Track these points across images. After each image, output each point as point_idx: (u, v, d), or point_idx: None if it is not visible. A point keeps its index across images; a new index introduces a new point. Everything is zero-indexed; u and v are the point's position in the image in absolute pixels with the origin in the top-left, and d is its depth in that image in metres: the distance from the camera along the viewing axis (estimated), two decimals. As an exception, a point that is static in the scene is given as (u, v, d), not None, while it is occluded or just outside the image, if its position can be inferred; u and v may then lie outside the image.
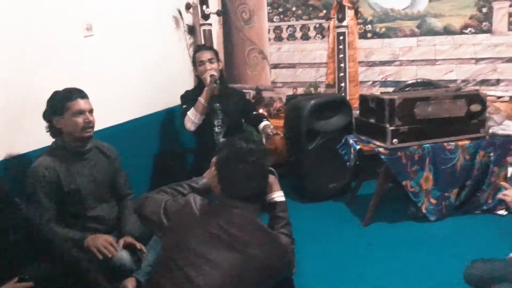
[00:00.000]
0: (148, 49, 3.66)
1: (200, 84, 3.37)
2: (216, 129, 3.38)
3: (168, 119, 3.85)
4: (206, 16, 4.18)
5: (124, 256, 2.23)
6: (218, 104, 3.37)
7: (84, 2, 2.97)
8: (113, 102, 3.18)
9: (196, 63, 3.36)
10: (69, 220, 2.31)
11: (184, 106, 3.31)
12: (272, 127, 3.37)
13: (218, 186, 1.87)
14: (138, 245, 2.30)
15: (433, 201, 3.34)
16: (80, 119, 2.26)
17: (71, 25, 2.88)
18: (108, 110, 3.09)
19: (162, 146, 3.76)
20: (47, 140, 2.37)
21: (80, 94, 2.30)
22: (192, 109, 3.22)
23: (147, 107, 3.62)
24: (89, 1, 3.01)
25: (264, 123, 3.42)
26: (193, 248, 1.65)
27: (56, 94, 2.30)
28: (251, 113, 3.53)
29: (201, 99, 3.20)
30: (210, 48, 3.54)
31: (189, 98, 3.33)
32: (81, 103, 2.28)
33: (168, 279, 1.65)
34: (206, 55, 3.33)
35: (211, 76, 3.20)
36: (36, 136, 2.45)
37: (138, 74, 3.53)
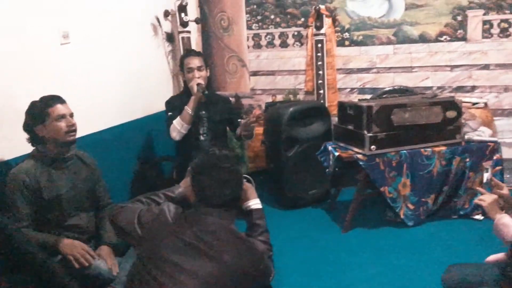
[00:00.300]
0: (126, 56, 3.64)
1: (186, 90, 3.31)
2: (202, 137, 3.31)
3: (148, 127, 3.80)
4: (184, 24, 4.17)
5: (101, 265, 2.20)
6: (204, 112, 3.29)
7: (60, 9, 2.93)
8: (91, 110, 3.14)
9: (184, 68, 3.28)
10: (47, 228, 2.28)
11: (169, 114, 3.23)
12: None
13: (193, 194, 1.85)
14: (110, 263, 2.27)
15: (411, 206, 3.38)
16: (63, 123, 2.27)
17: (48, 32, 2.84)
18: (87, 118, 3.04)
19: (142, 154, 3.72)
20: (27, 148, 2.34)
21: (59, 99, 2.31)
22: (178, 118, 3.15)
23: (126, 115, 3.58)
24: (65, 9, 2.98)
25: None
26: (167, 258, 1.63)
27: (34, 104, 2.30)
28: (236, 121, 3.45)
29: (188, 109, 3.13)
30: (199, 53, 3.43)
31: (175, 105, 3.25)
32: (61, 108, 2.29)
33: None
34: (195, 61, 3.25)
35: (198, 85, 3.14)
36: (15, 144, 2.41)
37: (116, 82, 3.49)
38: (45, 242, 2.15)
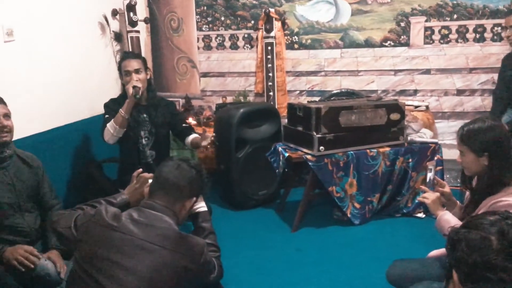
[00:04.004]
0: (73, 55, 3.54)
1: (124, 94, 3.14)
2: (143, 141, 3.18)
3: (93, 128, 3.69)
4: (133, 23, 4.11)
5: (49, 266, 2.14)
6: (145, 115, 3.17)
7: (4, 6, 2.83)
8: (35, 110, 3.04)
9: (121, 71, 3.12)
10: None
11: (106, 116, 3.09)
12: (206, 136, 3.01)
13: (142, 196, 1.94)
14: (59, 266, 2.22)
15: (357, 205, 3.48)
16: None
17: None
18: (29, 118, 2.97)
19: (87, 155, 3.62)
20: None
21: None
22: (112, 121, 3.01)
23: (71, 115, 3.49)
24: (10, 5, 2.88)
25: (193, 135, 3.24)
26: (105, 257, 1.62)
27: None
28: (180, 126, 3.32)
29: (122, 111, 2.99)
30: (138, 56, 3.27)
31: (112, 108, 3.11)
32: None
33: None
34: (132, 64, 3.07)
35: (134, 87, 2.99)
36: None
37: (61, 81, 3.39)
38: None
